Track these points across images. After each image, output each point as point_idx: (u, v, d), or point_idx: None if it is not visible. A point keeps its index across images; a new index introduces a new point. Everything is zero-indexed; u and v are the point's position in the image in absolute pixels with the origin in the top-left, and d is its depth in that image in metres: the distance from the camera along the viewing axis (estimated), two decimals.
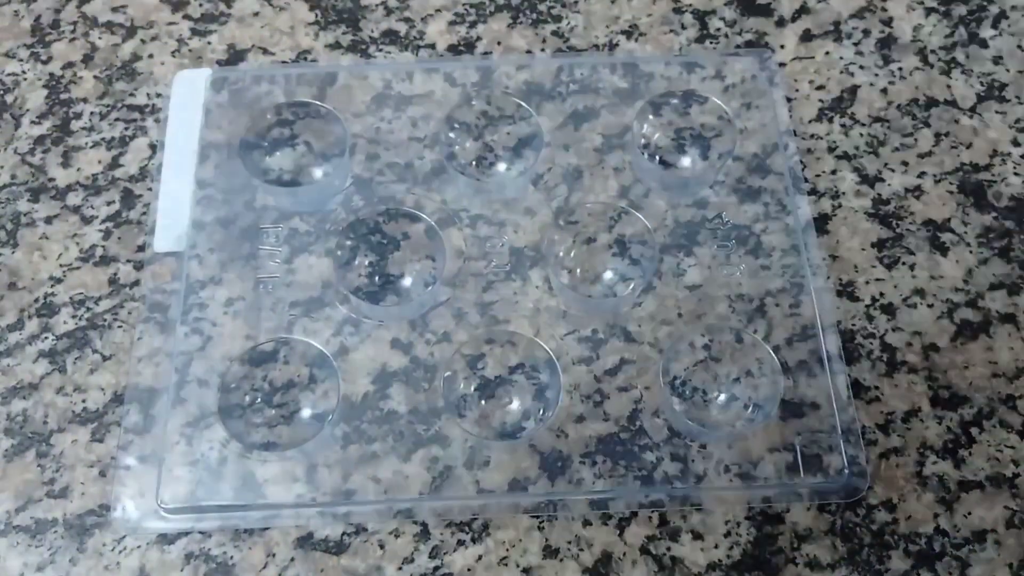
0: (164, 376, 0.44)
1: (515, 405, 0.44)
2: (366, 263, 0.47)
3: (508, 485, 0.42)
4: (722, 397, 0.44)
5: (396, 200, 0.48)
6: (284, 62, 0.53)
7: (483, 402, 0.44)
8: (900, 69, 0.53)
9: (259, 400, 0.44)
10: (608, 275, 0.47)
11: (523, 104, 0.49)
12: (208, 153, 0.49)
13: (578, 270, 0.47)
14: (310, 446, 0.42)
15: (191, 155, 0.49)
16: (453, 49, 0.54)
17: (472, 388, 0.44)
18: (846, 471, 0.42)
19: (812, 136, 0.51)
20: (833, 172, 0.50)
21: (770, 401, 0.43)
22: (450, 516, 0.42)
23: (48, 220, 0.49)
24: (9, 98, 0.53)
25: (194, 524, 0.41)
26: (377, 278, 0.47)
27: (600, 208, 0.48)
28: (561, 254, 0.47)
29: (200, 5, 0.55)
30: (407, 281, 0.47)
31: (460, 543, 0.42)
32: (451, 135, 0.50)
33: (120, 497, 0.42)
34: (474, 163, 0.49)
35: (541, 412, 0.43)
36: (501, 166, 0.49)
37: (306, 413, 0.43)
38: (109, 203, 0.49)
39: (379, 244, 0.47)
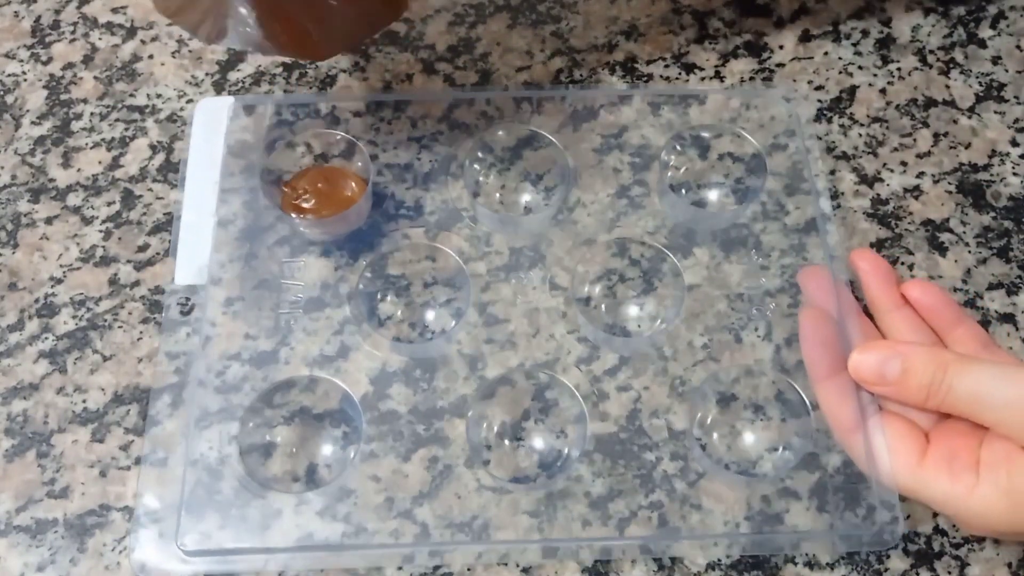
0: (164, 376, 0.44)
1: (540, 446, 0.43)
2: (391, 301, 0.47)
3: (508, 485, 0.42)
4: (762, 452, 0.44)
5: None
6: (296, 73, 0.53)
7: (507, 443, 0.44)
8: (899, 69, 0.54)
9: (280, 439, 0.43)
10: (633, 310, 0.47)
11: (551, 138, 0.49)
12: (230, 183, 0.48)
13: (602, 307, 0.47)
14: (339, 481, 0.42)
15: (212, 185, 0.48)
16: (453, 49, 0.54)
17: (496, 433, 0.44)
18: (844, 472, 0.42)
19: (811, 136, 0.51)
20: (832, 172, 0.50)
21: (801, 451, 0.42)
22: (450, 516, 0.42)
23: (48, 220, 0.49)
24: (9, 99, 0.53)
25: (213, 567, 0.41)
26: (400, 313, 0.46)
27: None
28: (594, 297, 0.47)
29: None
30: (430, 315, 0.46)
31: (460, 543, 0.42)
32: (476, 167, 0.49)
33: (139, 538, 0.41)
34: (499, 196, 0.48)
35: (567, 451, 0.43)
36: (525, 198, 0.49)
37: (328, 450, 0.43)
38: (109, 203, 0.49)
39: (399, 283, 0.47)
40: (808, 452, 0.42)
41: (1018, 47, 0.54)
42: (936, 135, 0.51)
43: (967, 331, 0.42)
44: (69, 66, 0.54)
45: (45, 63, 0.54)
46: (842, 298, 0.44)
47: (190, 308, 0.45)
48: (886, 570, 0.41)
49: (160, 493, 0.41)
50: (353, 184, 0.48)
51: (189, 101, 0.52)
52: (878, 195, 0.50)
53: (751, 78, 0.53)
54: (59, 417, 0.44)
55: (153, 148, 0.51)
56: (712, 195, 0.49)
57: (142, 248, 0.48)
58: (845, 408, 0.41)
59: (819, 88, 0.53)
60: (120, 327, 0.46)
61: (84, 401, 0.45)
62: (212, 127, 0.49)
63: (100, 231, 0.49)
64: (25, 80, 0.53)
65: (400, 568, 0.41)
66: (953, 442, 0.38)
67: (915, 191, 0.50)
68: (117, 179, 0.50)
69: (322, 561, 0.41)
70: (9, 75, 0.53)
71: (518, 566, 0.41)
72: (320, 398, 0.44)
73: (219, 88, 0.53)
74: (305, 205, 0.47)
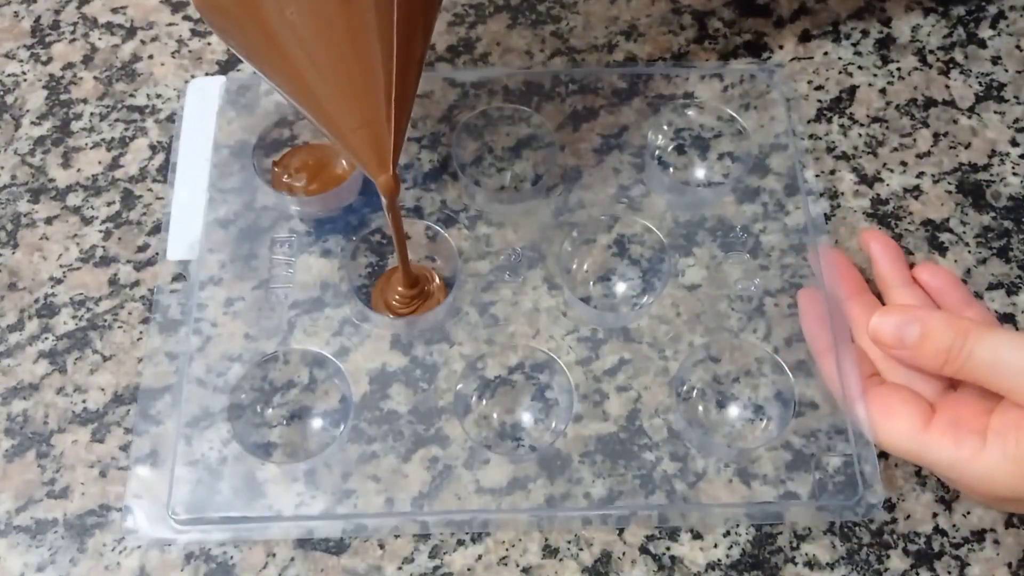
0: (164, 376, 0.44)
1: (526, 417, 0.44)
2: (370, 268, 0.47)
3: (508, 485, 0.42)
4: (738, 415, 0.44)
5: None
6: None
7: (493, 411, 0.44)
8: (899, 69, 0.54)
9: (271, 409, 0.44)
10: (621, 287, 0.47)
11: (551, 138, 0.49)
12: (221, 161, 0.49)
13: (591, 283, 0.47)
14: (327, 452, 0.42)
15: (204, 163, 0.49)
16: (452, 50, 0.54)
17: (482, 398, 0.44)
18: (849, 471, 0.42)
19: (811, 136, 0.51)
20: (832, 172, 0.50)
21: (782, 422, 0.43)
22: (449, 517, 0.42)
23: (48, 221, 0.49)
24: (9, 99, 0.53)
25: (204, 536, 0.41)
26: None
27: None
28: (575, 267, 0.47)
29: None
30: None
31: (460, 543, 0.42)
32: (476, 167, 0.49)
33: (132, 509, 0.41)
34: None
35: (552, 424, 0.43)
36: (526, 199, 0.49)
37: (318, 423, 0.43)
38: (109, 204, 0.49)
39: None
40: (792, 419, 0.43)
41: (1018, 47, 0.54)
42: (936, 135, 0.51)
43: (976, 314, 0.43)
44: (69, 66, 0.54)
45: (45, 63, 0.54)
46: (852, 277, 0.45)
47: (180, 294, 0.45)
48: (886, 570, 0.41)
49: (152, 471, 0.41)
50: (344, 162, 0.48)
51: None
52: (878, 195, 0.50)
53: (752, 77, 0.53)
54: (59, 417, 0.44)
55: (153, 148, 0.51)
56: (698, 172, 0.50)
57: (142, 248, 0.48)
58: (846, 379, 0.42)
59: (819, 88, 0.53)
60: (120, 327, 0.46)
61: (84, 401, 0.45)
62: (205, 106, 0.50)
63: (100, 231, 0.49)
64: (25, 80, 0.53)
65: (400, 568, 0.41)
66: (959, 410, 0.39)
67: (915, 191, 0.50)
68: (117, 179, 0.50)
69: (314, 529, 0.41)
70: (9, 75, 0.53)
71: (518, 566, 0.41)
72: (310, 374, 0.44)
73: (232, 96, 0.53)
74: (296, 184, 0.47)
